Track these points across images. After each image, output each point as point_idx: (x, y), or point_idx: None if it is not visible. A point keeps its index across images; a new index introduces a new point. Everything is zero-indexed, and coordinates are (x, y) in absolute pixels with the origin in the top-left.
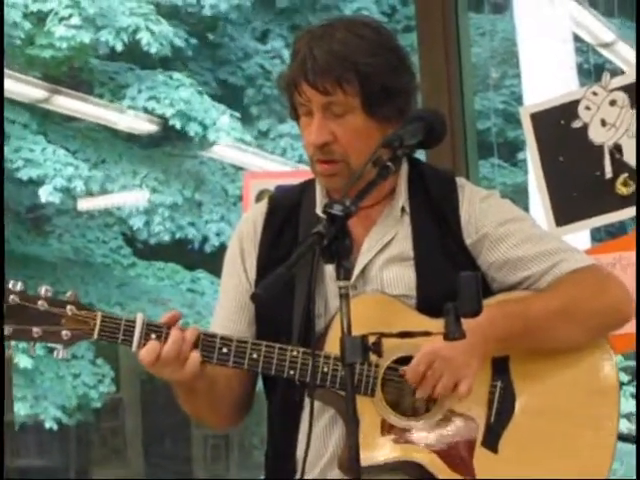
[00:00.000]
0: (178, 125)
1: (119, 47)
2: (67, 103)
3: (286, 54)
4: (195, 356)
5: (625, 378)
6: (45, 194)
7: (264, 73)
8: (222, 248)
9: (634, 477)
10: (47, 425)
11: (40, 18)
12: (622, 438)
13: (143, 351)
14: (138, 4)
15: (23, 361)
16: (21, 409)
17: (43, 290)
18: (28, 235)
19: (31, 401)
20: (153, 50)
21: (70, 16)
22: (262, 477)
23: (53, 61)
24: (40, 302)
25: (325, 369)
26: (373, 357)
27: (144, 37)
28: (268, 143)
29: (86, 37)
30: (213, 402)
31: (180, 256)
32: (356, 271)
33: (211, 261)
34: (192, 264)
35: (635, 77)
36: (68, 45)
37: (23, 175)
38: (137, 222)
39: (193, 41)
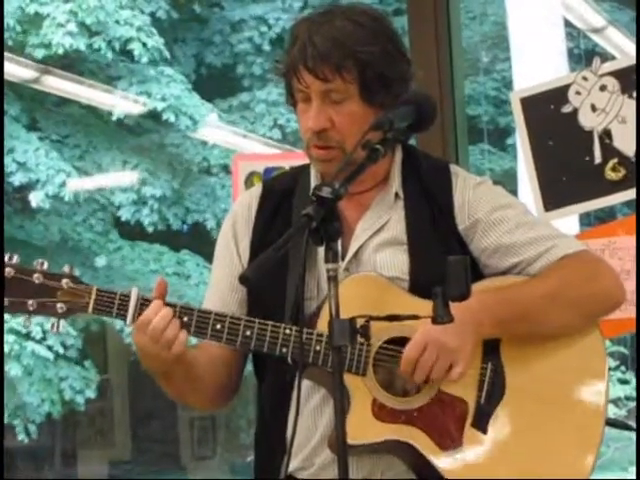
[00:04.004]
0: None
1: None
2: (57, 84)
3: (271, 20)
4: (183, 336)
5: (612, 363)
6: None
7: (253, 47)
8: (204, 226)
9: (620, 460)
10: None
11: (35, 21)
12: (609, 423)
13: (141, 318)
14: (132, 14)
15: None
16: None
17: (38, 263)
18: (16, 217)
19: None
20: (144, 60)
21: (67, 22)
22: (250, 458)
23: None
24: (36, 275)
25: (318, 348)
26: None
27: (136, 48)
28: (248, 113)
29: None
30: (195, 385)
31: (166, 238)
32: (349, 254)
33: (196, 242)
34: (178, 245)
35: (626, 62)
36: (64, 50)
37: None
38: (125, 206)
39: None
